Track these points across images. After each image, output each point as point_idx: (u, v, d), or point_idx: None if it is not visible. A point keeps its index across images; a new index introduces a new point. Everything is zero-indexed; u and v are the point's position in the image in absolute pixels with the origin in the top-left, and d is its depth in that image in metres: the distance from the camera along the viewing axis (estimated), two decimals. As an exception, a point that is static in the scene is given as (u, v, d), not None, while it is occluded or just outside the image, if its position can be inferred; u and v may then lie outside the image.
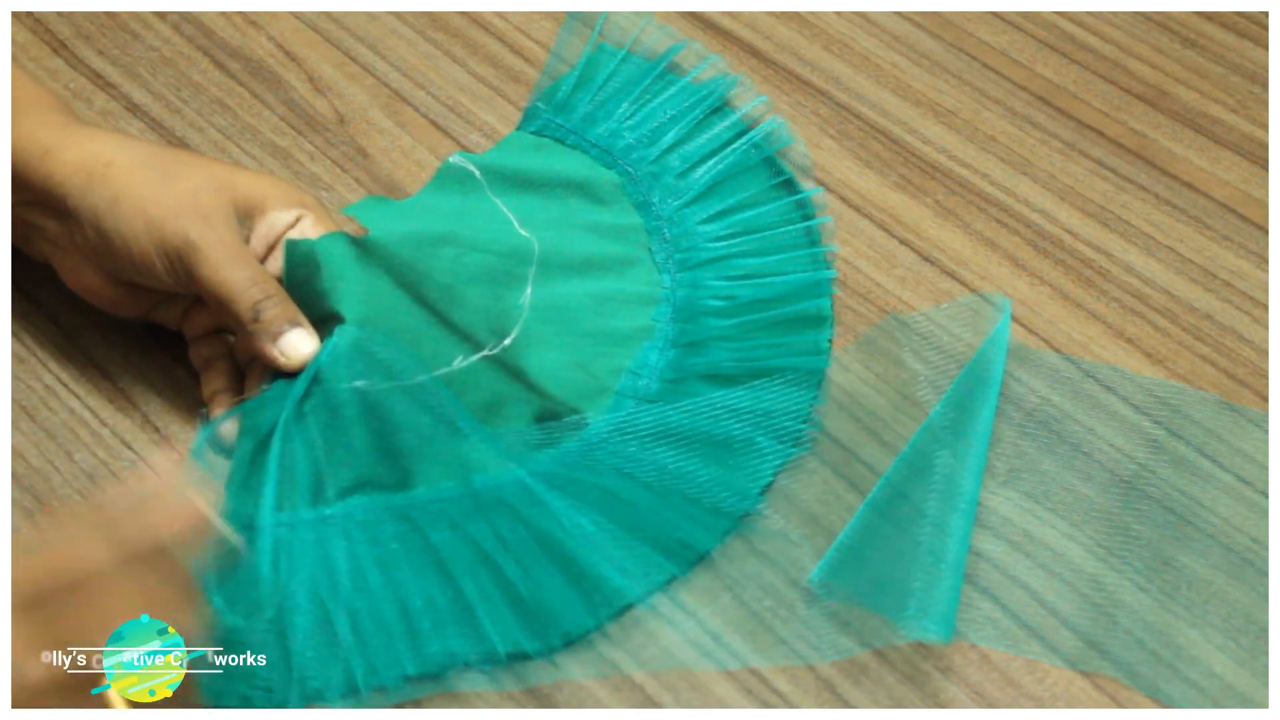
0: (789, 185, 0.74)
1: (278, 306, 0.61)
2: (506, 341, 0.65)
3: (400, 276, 0.64)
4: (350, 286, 0.63)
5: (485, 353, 0.64)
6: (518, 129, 0.75)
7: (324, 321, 0.63)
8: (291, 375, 0.61)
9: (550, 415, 0.64)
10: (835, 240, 0.73)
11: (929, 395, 0.66)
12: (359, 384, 0.61)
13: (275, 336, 0.61)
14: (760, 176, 0.74)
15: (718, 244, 0.71)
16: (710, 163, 0.74)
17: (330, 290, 0.62)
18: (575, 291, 0.68)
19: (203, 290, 0.61)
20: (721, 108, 0.76)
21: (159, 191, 0.61)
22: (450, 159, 0.72)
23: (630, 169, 0.73)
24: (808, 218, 0.72)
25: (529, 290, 0.67)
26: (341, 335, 0.62)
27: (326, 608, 0.57)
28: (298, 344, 0.61)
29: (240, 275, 0.61)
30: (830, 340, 0.68)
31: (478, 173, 0.71)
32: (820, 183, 0.76)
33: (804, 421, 0.65)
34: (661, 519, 0.61)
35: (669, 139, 0.74)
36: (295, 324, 0.61)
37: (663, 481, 0.62)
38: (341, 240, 0.63)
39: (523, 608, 0.58)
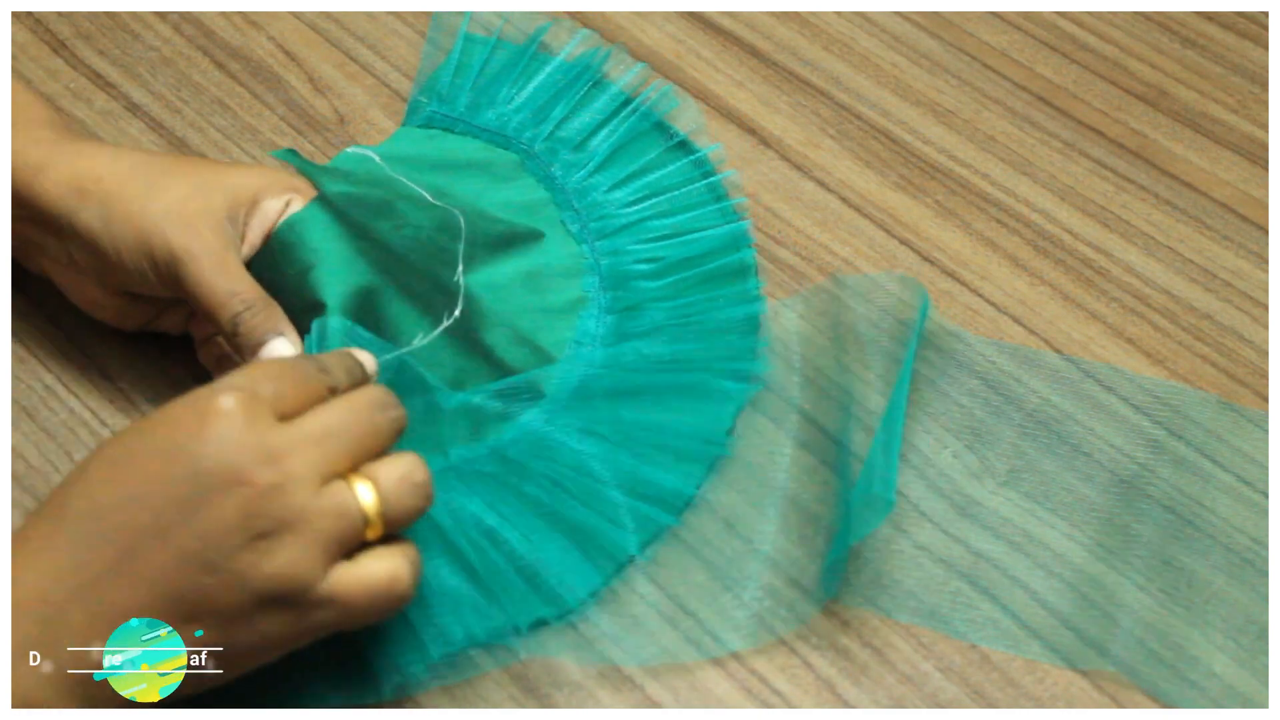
0: (684, 146, 0.75)
1: (257, 316, 0.61)
2: (456, 313, 0.65)
3: (358, 244, 0.65)
4: (321, 261, 0.63)
5: (444, 325, 0.65)
6: (404, 124, 0.76)
7: (310, 310, 0.63)
8: None
9: (508, 388, 0.64)
10: (815, 228, 0.74)
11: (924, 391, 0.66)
12: None
13: (255, 347, 0.61)
14: (655, 141, 0.76)
15: (629, 209, 0.72)
16: (603, 133, 0.75)
17: (302, 271, 0.63)
18: (504, 270, 0.68)
19: (190, 300, 0.61)
20: (600, 80, 0.78)
21: (146, 203, 0.61)
22: (347, 150, 0.72)
23: (526, 146, 0.74)
24: (708, 175, 0.74)
25: (460, 269, 0.67)
26: (319, 327, 0.62)
27: None
28: (277, 352, 0.61)
29: (221, 287, 0.61)
30: (759, 288, 0.70)
31: (377, 158, 0.71)
32: (813, 178, 0.76)
33: (753, 362, 0.67)
34: (640, 472, 0.62)
35: (556, 114, 0.76)
36: (276, 333, 0.61)
37: (632, 435, 0.63)
38: (300, 218, 0.64)
39: (532, 576, 0.59)
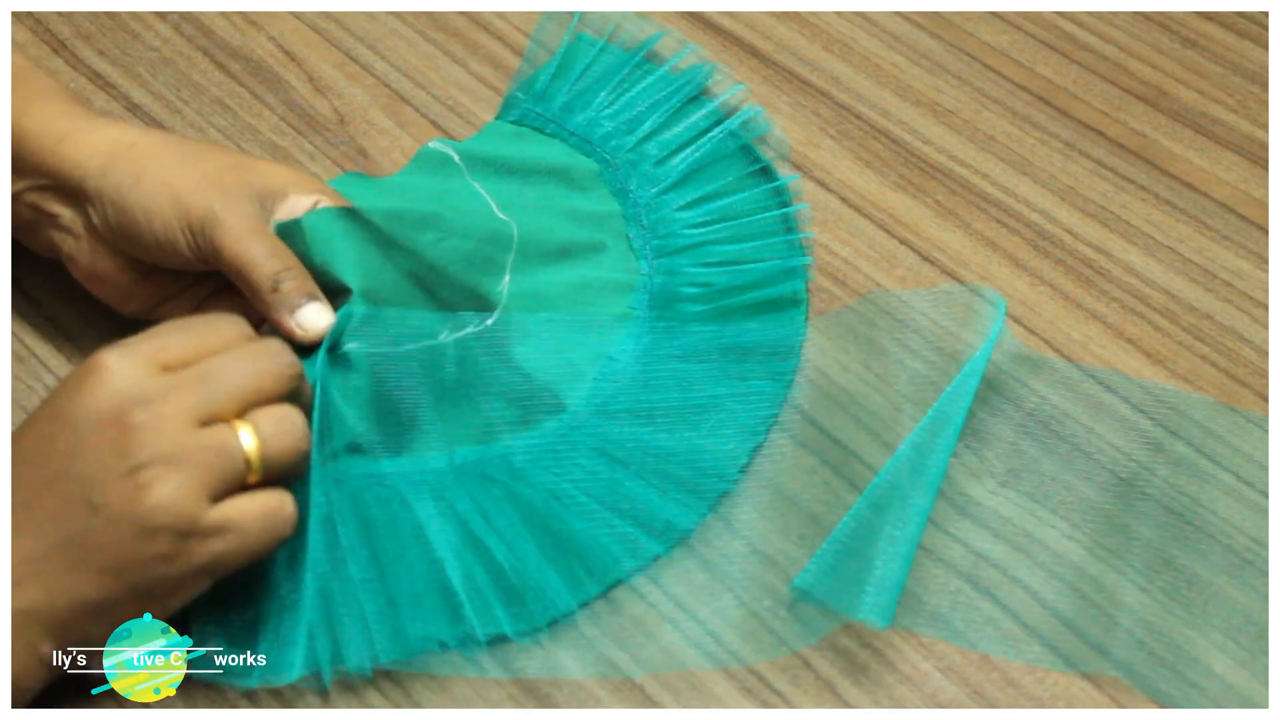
0: (766, 173, 0.74)
1: (296, 279, 0.62)
2: (489, 321, 0.65)
3: (387, 251, 0.65)
4: (343, 259, 0.63)
5: (470, 329, 0.64)
6: (497, 118, 0.76)
7: (332, 295, 0.63)
8: (306, 349, 0.62)
9: (530, 397, 0.64)
10: (815, 228, 0.73)
11: (929, 395, 0.66)
12: (350, 346, 0.61)
13: (293, 309, 0.62)
14: (737, 164, 0.75)
15: (695, 230, 0.71)
16: (688, 150, 0.74)
17: (324, 263, 0.63)
18: (553, 280, 0.68)
19: (224, 261, 0.61)
20: (699, 96, 0.77)
21: (183, 169, 0.62)
22: (429, 144, 0.72)
23: (608, 156, 0.74)
24: (784, 205, 0.73)
25: (507, 279, 0.67)
26: (354, 307, 0.62)
27: (301, 576, 0.57)
28: (315, 318, 0.62)
29: (261, 246, 0.62)
30: (805, 319, 0.69)
31: (456, 157, 0.72)
32: (813, 178, 0.76)
33: (783, 392, 0.66)
34: (643, 499, 0.62)
35: (647, 127, 0.75)
36: (313, 298, 0.62)
37: (643, 461, 0.63)
38: (330, 214, 0.64)
39: (507, 588, 0.59)
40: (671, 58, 0.78)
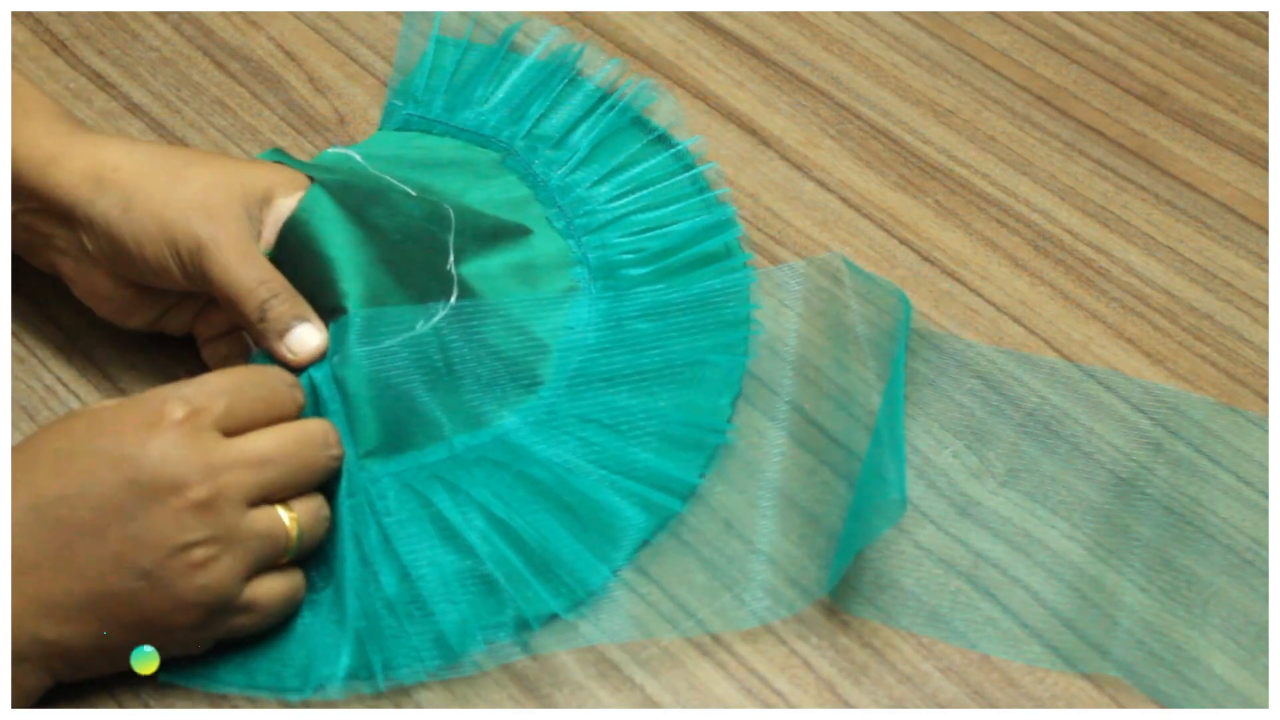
0: (663, 140, 0.76)
1: (284, 304, 0.61)
2: (452, 300, 0.65)
3: (362, 230, 0.64)
4: (338, 239, 0.63)
5: (440, 315, 0.64)
6: (380, 129, 0.76)
7: (328, 296, 0.63)
8: (301, 369, 0.62)
9: (506, 376, 0.64)
10: (815, 228, 0.74)
11: (927, 394, 0.66)
12: (336, 359, 0.61)
13: (282, 334, 0.61)
14: (633, 136, 0.76)
15: (613, 204, 0.73)
16: (582, 129, 0.76)
17: (325, 250, 0.63)
18: (494, 263, 0.68)
19: (214, 290, 0.62)
20: (575, 77, 0.78)
21: (169, 194, 0.62)
22: (327, 150, 0.72)
23: (506, 145, 0.75)
24: (689, 168, 0.75)
25: (452, 258, 0.67)
26: (349, 310, 0.62)
27: (342, 588, 0.58)
28: (305, 339, 0.62)
29: (248, 275, 0.61)
30: (745, 263, 0.70)
31: (359, 157, 0.71)
32: (813, 178, 0.76)
33: (747, 330, 0.67)
34: (643, 460, 0.62)
35: (534, 112, 0.76)
36: (301, 319, 0.62)
37: (633, 422, 0.63)
38: (320, 192, 0.64)
39: (542, 566, 0.59)
40: (537, 45, 0.79)
